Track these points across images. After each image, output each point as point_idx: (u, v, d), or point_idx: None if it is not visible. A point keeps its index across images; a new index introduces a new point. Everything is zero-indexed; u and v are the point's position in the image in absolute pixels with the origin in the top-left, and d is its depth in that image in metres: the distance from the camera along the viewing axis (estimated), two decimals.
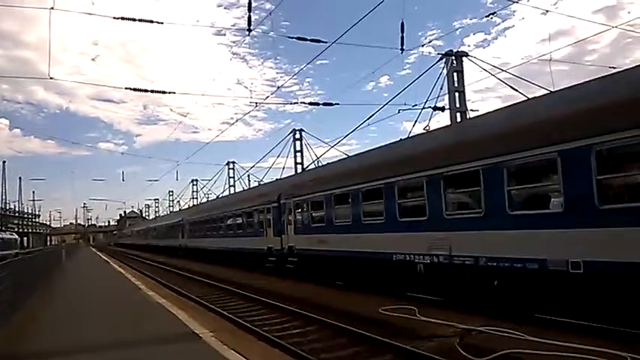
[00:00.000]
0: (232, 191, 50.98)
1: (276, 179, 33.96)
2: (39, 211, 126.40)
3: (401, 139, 17.85)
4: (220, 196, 51.61)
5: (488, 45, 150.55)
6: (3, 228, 76.10)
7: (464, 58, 21.44)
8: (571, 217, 8.42)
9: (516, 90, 19.57)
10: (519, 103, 12.78)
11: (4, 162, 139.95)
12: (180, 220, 45.24)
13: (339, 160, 22.88)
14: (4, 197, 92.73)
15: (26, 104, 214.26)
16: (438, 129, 14.67)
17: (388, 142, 17.56)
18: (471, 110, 21.60)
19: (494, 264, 9.98)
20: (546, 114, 9.77)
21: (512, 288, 9.92)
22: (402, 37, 19.36)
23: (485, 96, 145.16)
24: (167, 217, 64.51)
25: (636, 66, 9.23)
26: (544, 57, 21.04)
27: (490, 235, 10.13)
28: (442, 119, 27.03)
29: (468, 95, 23.54)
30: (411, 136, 18.00)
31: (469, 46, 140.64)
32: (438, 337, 8.97)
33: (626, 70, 9.72)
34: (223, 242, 30.01)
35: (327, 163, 24.67)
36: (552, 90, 12.88)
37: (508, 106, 12.80)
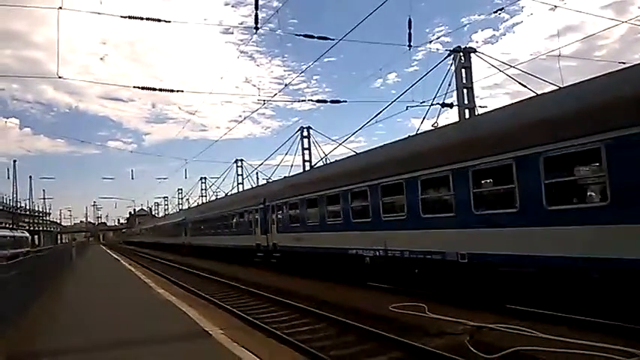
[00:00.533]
0: (241, 189, 51.10)
1: (265, 183, 36.65)
2: (49, 209, 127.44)
3: (356, 154, 21.26)
4: (230, 194, 51.83)
5: (497, 41, 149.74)
6: (14, 226, 76.77)
7: (472, 55, 21.33)
8: (458, 219, 10.96)
9: (525, 86, 19.46)
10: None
11: (14, 161, 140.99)
12: (184, 219, 47.73)
13: (312, 169, 26.79)
14: (15, 196, 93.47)
15: (36, 104, 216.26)
16: (391, 143, 16.52)
17: (349, 155, 21.38)
18: (480, 107, 21.49)
19: (414, 256, 12.57)
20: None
21: (427, 274, 12.51)
22: (410, 34, 19.28)
23: (494, 92, 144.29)
24: (172, 216, 66.20)
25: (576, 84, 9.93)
26: (553, 53, 20.84)
27: (410, 233, 12.69)
28: (451, 116, 26.89)
29: (477, 92, 23.42)
30: (365, 151, 20.49)
31: (477, 42, 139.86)
32: (448, 335, 8.95)
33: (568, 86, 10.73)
34: (220, 240, 32.52)
35: (303, 171, 28.99)
36: (561, 86, 12.77)
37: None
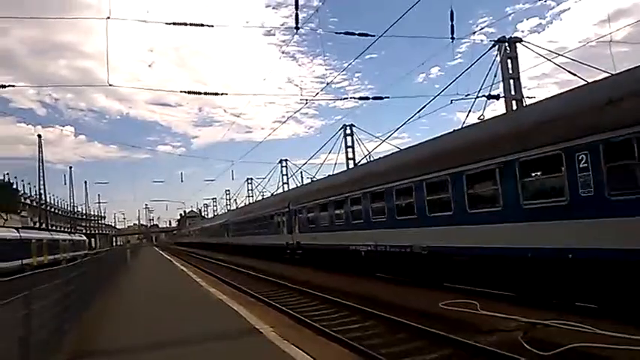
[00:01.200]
0: (286, 189, 51.64)
1: (292, 188, 42.47)
2: (104, 213, 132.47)
3: (356, 165, 26.30)
4: (267, 196, 52.66)
5: (543, 30, 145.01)
6: (72, 230, 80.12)
7: (518, 44, 20.74)
8: (419, 220, 14.15)
9: (575, 75, 18.75)
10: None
11: (70, 167, 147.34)
12: (226, 221, 52.27)
13: (325, 178, 29.98)
14: (72, 201, 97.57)
15: (89, 111, 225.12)
16: (378, 159, 21.91)
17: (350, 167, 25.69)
18: (527, 97, 20.88)
19: (394, 250, 15.56)
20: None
21: (403, 264, 15.42)
22: (452, 26, 18.96)
23: (542, 82, 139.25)
24: (217, 219, 71.01)
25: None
26: (603, 39, 20.05)
27: (389, 231, 15.80)
28: (498, 107, 26.25)
29: (524, 82, 22.77)
30: (362, 164, 25.16)
31: (523, 31, 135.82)
32: (501, 332, 8.76)
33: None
34: (255, 239, 36.34)
35: (320, 178, 32.76)
36: (613, 73, 12.23)
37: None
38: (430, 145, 15.90)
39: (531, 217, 10.14)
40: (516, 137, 10.71)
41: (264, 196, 58.54)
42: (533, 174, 10.77)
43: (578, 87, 11.46)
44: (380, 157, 21.27)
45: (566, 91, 11.26)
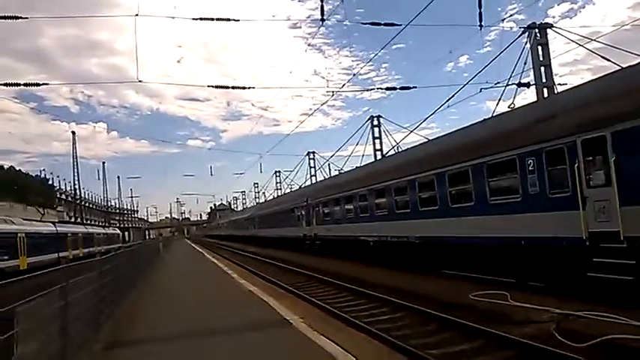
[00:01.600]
0: (314, 181, 51.83)
1: (310, 184, 44.83)
2: (137, 207, 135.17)
3: (356, 167, 28.31)
4: (303, 185, 52.92)
5: (575, 15, 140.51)
6: (107, 224, 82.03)
7: (548, 30, 20.24)
8: (412, 214, 16.54)
9: (608, 60, 18.21)
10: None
11: (103, 163, 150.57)
12: (252, 214, 56.93)
13: (336, 175, 33.85)
14: (105, 195, 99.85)
15: (121, 108, 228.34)
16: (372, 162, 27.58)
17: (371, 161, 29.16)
18: (559, 84, 20.40)
19: (394, 240, 18.17)
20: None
21: (403, 252, 17.80)
22: (480, 13, 18.70)
23: (574, 69, 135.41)
24: (244, 212, 74.90)
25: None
26: (638, 22, 19.41)
27: (390, 223, 18.25)
28: (529, 96, 25.74)
29: (555, 69, 22.28)
30: (364, 165, 28.10)
31: (554, 17, 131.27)
32: (533, 323, 8.65)
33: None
34: (277, 231, 39.07)
35: (333, 175, 37.51)
36: None
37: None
38: (422, 148, 18.63)
39: (497, 212, 12.29)
40: (485, 144, 12.95)
41: (293, 189, 59.16)
42: (497, 175, 12.55)
43: (529, 104, 14.99)
44: (382, 158, 25.91)
45: (522, 106, 14.50)
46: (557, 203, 10.43)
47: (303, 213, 30.36)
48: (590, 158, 9.77)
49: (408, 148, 21.26)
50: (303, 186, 50.86)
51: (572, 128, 9.90)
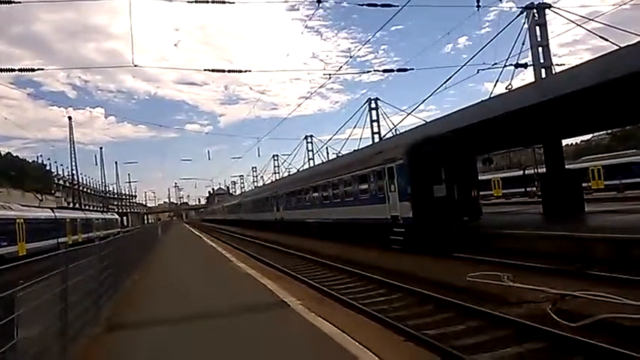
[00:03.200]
0: (311, 164, 52.12)
1: (281, 178, 61.31)
2: (135, 192, 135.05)
3: (310, 167, 45.41)
4: (301, 169, 53.44)
5: None
6: (105, 209, 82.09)
7: (547, 10, 20.14)
8: (334, 203, 24.83)
9: (607, 40, 18.17)
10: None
11: (101, 148, 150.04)
12: (239, 201, 65.65)
13: (298, 172, 50.70)
14: (103, 180, 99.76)
15: (118, 93, 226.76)
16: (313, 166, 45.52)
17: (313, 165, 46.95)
18: (557, 65, 20.37)
19: (323, 221, 26.66)
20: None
21: (328, 230, 26.00)
22: None
23: (573, 49, 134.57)
24: (233, 198, 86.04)
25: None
26: (638, 1, 19.31)
27: (320, 210, 27.08)
28: (527, 77, 25.63)
29: (554, 50, 22.19)
30: (313, 166, 47.61)
31: None
32: (529, 303, 8.76)
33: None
34: (257, 215, 47.43)
35: (294, 173, 55.51)
36: None
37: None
38: (332, 162, 35.32)
39: (360, 204, 21.18)
40: (356, 164, 22.99)
41: (290, 172, 59.89)
42: (359, 182, 21.56)
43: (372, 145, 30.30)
44: (319, 164, 43.94)
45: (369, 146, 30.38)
46: (379, 200, 18.99)
47: (274, 202, 39.59)
48: (390, 176, 18.12)
49: (330, 160, 39.08)
50: (301, 169, 51.50)
51: (383, 161, 18.71)
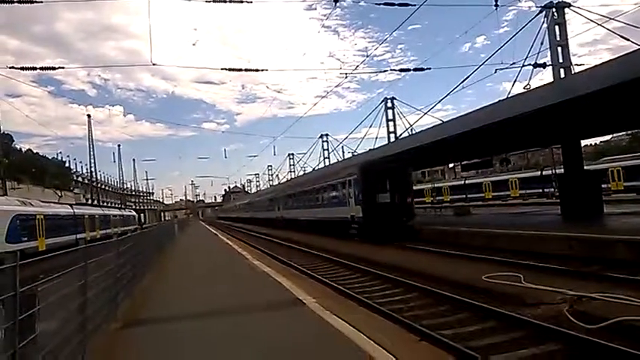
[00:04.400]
0: (327, 163, 52.42)
1: (279, 184, 71.59)
2: (152, 189, 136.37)
3: (289, 179, 58.31)
4: (316, 168, 53.96)
5: None
6: (123, 206, 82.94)
7: (566, 9, 19.87)
8: (316, 205, 32.19)
9: (628, 40, 17.90)
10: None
11: (119, 146, 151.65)
12: (250, 201, 74.93)
13: (289, 180, 62.27)
14: (121, 178, 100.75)
15: (137, 91, 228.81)
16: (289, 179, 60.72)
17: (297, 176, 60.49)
18: (576, 65, 20.09)
19: (305, 219, 35.06)
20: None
21: (311, 226, 33.04)
22: None
23: (593, 49, 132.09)
24: (244, 198, 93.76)
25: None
26: None
27: (301, 211, 36.31)
28: (545, 76, 25.34)
29: (574, 49, 21.94)
30: (295, 177, 63.26)
31: None
32: (546, 304, 8.67)
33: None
34: (264, 214, 54.75)
35: (289, 179, 66.07)
36: None
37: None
38: (312, 173, 49.61)
39: (329, 205, 28.77)
40: (329, 175, 31.33)
41: (306, 171, 60.45)
42: (331, 190, 28.56)
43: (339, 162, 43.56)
44: (309, 172, 54.54)
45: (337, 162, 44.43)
46: (345, 203, 25.71)
47: (276, 202, 47.49)
48: (349, 187, 24.95)
49: (315, 169, 50.22)
50: (316, 168, 52.14)
51: (346, 175, 25.67)
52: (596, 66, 14.24)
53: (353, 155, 40.11)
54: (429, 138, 22.51)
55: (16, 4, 16.62)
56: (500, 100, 18.76)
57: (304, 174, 58.64)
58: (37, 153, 78.17)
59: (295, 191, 39.55)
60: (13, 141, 68.66)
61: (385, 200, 23.08)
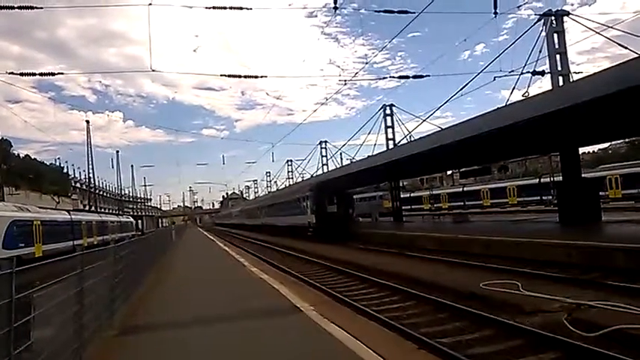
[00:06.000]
0: (325, 170, 52.53)
1: (263, 195, 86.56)
2: (150, 195, 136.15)
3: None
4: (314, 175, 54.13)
5: (594, 2, 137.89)
6: (120, 212, 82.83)
7: (565, 18, 19.97)
8: (287, 214, 41.05)
9: (627, 48, 17.97)
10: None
11: (117, 151, 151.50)
12: (241, 209, 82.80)
13: (273, 192, 76.51)
14: (119, 184, 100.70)
15: (137, 97, 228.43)
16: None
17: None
18: (574, 73, 20.17)
19: (283, 225, 42.56)
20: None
21: (288, 231, 39.83)
22: (495, 1, 18.47)
23: (592, 57, 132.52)
24: (236, 206, 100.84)
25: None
26: None
27: (279, 218, 44.47)
28: (544, 84, 25.40)
29: (573, 57, 22.02)
30: (275, 190, 77.43)
31: (572, 5, 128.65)
32: (544, 312, 8.65)
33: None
34: (252, 221, 64.23)
35: (271, 192, 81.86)
36: None
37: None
38: (290, 187, 61.16)
39: (295, 214, 37.18)
40: (290, 194, 43.25)
41: (304, 178, 61.20)
42: (296, 202, 37.15)
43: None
44: (283, 188, 68.32)
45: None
46: (304, 213, 34.38)
47: (259, 212, 57.04)
48: (306, 200, 33.87)
49: (287, 186, 64.01)
50: (314, 175, 52.76)
51: (305, 192, 35.33)
52: (594, 74, 14.27)
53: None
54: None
55: (16, 10, 16.68)
56: (497, 108, 18.80)
57: (282, 188, 69.16)
58: (34, 159, 78.10)
59: (273, 202, 49.38)
60: (12, 146, 68.62)
61: (332, 210, 31.84)
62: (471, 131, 18.57)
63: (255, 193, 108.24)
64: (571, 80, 19.34)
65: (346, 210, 33.20)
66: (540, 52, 20.20)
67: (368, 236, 28.35)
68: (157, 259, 18.79)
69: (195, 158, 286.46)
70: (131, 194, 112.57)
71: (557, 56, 20.00)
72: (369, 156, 34.27)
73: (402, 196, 45.94)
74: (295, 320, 7.64)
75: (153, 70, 25.22)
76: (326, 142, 56.58)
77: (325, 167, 54.29)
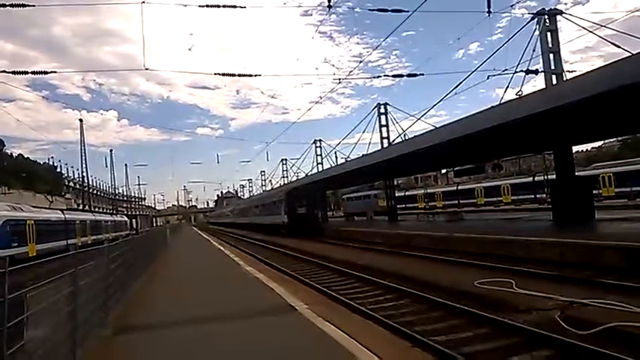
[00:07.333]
0: (320, 168, 52.56)
1: (250, 197, 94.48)
2: (144, 194, 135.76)
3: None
4: (309, 173, 54.24)
5: (587, 1, 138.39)
6: (114, 211, 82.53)
7: (558, 17, 20.04)
8: (268, 214, 49.34)
9: (619, 47, 18.04)
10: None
11: (111, 150, 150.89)
12: (232, 209, 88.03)
13: (259, 194, 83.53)
14: (113, 183, 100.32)
15: (132, 96, 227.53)
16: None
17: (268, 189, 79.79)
18: (568, 72, 20.24)
19: (264, 223, 50.14)
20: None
21: (270, 229, 45.77)
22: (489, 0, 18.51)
23: (585, 56, 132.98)
24: (228, 206, 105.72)
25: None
26: None
27: (264, 217, 51.09)
28: (538, 83, 25.51)
29: (566, 56, 22.15)
30: (264, 191, 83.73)
31: (566, 4, 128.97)
32: (537, 310, 8.68)
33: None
34: (242, 219, 69.44)
35: (257, 194, 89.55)
36: None
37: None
38: (270, 190, 70.26)
39: (272, 215, 45.66)
40: (270, 197, 51.89)
41: (299, 177, 61.55)
42: (273, 205, 46.06)
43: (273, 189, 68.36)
44: (266, 191, 76.07)
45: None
46: (279, 213, 42.20)
47: (250, 212, 62.05)
48: (281, 203, 42.08)
49: (269, 189, 75.22)
50: (309, 174, 53.28)
51: (281, 196, 43.98)
52: (587, 72, 14.35)
53: (335, 166, 47.38)
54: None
55: (8, 7, 16.56)
56: (491, 107, 18.85)
57: (269, 190, 75.46)
58: (27, 158, 77.75)
59: (258, 204, 56.87)
60: (4, 146, 68.28)
61: (302, 212, 39.32)
62: (465, 130, 18.62)
63: (249, 192, 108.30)
64: (564, 79, 19.42)
65: (313, 211, 41.89)
66: (534, 50, 20.27)
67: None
68: (151, 258, 18.72)
69: (190, 157, 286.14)
70: (125, 193, 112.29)
71: (551, 55, 20.07)
72: (363, 155, 34.70)
73: (396, 194, 46.05)
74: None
75: (146, 69, 25.18)
76: (321, 140, 56.72)
77: (320, 166, 54.34)
